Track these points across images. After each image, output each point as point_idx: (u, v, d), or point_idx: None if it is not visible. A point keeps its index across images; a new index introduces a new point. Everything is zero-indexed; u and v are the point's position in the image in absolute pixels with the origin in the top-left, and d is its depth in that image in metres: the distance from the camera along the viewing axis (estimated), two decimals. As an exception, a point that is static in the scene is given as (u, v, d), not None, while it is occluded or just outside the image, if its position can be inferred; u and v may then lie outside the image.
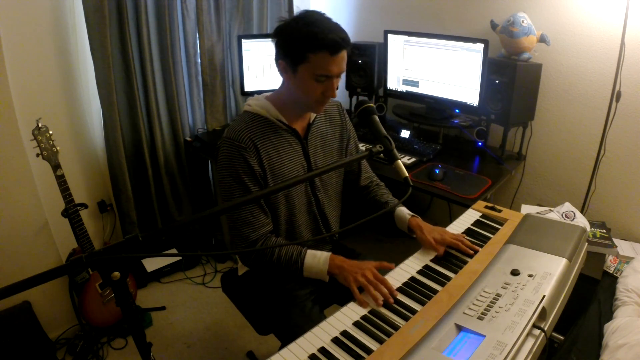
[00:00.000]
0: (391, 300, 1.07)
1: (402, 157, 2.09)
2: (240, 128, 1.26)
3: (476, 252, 1.25)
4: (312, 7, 2.94)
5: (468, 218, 1.44)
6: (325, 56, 1.15)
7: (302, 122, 1.36)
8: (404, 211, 1.42)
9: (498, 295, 0.99)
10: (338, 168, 1.49)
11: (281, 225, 1.36)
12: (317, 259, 1.25)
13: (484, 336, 0.88)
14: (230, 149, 1.24)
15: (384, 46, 2.41)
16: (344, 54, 1.19)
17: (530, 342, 0.89)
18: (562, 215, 1.83)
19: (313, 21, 1.16)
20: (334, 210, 1.50)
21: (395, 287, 1.12)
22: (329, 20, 1.20)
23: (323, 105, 1.28)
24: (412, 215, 1.40)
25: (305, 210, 1.40)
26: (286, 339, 0.97)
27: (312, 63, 1.16)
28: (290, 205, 1.35)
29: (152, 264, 2.46)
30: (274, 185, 1.29)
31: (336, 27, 1.18)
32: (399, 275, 1.18)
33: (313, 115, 1.38)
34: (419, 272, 1.19)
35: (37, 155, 1.63)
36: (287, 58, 1.20)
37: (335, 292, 1.38)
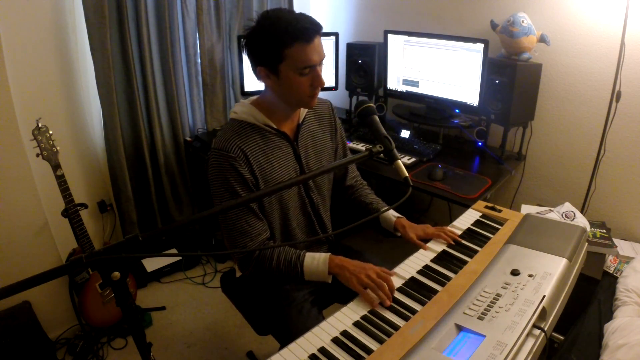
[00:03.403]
0: (390, 300, 1.07)
1: (402, 157, 2.09)
2: (227, 137, 1.23)
3: (457, 241, 1.31)
4: (311, 8, 2.95)
5: (468, 218, 1.44)
6: (301, 46, 1.13)
7: (291, 124, 1.34)
8: (389, 212, 1.46)
9: (498, 295, 0.99)
10: (337, 169, 1.49)
11: (276, 230, 1.35)
12: (315, 260, 1.24)
13: (484, 336, 0.88)
14: (219, 160, 1.22)
15: (384, 46, 2.41)
16: (318, 40, 1.16)
17: (530, 342, 0.89)
18: (562, 215, 1.83)
19: (277, 17, 1.14)
20: (327, 210, 1.51)
21: (395, 287, 1.12)
22: (292, 12, 1.17)
23: (315, 97, 1.25)
24: (398, 217, 1.44)
25: (299, 212, 1.40)
26: (284, 341, 0.97)
27: (291, 58, 1.14)
28: (284, 209, 1.35)
29: (152, 264, 2.46)
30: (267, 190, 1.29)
31: (302, 16, 1.15)
32: (399, 275, 1.18)
33: (302, 116, 1.36)
34: (419, 272, 1.19)
35: (37, 155, 1.63)
36: (264, 63, 1.18)
37: (336, 291, 1.38)
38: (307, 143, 1.38)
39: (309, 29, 1.13)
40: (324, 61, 1.21)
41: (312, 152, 1.39)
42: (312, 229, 1.45)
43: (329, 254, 1.26)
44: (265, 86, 1.27)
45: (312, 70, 1.18)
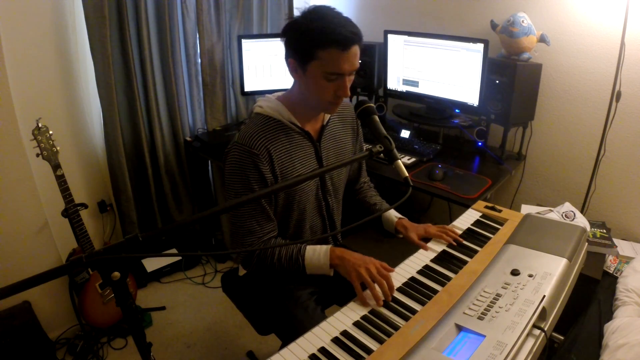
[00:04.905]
0: (389, 299, 1.08)
1: (402, 157, 2.09)
2: (252, 132, 1.20)
3: (459, 241, 1.31)
4: (312, 7, 2.95)
5: (468, 218, 1.44)
6: (336, 52, 1.10)
7: (315, 124, 1.33)
8: (391, 214, 1.46)
9: (498, 295, 0.99)
10: (339, 168, 1.49)
11: (290, 229, 1.35)
12: (317, 252, 1.24)
13: (484, 336, 0.88)
14: (241, 156, 1.19)
15: (384, 46, 2.41)
16: (355, 50, 1.13)
17: (530, 342, 0.89)
18: (562, 215, 1.83)
19: (322, 16, 1.12)
20: (340, 214, 1.51)
21: (395, 287, 1.12)
22: (339, 14, 1.15)
23: (336, 106, 1.24)
24: (399, 218, 1.44)
25: (316, 214, 1.40)
26: (289, 340, 0.97)
27: (321, 60, 1.12)
28: (302, 211, 1.34)
29: (152, 264, 2.46)
30: (287, 195, 1.27)
31: (346, 22, 1.13)
32: (399, 275, 1.18)
33: (327, 117, 1.35)
34: (419, 272, 1.19)
35: (37, 155, 1.63)
36: (296, 56, 1.15)
37: (336, 293, 1.38)
38: (329, 145, 1.36)
39: (348, 37, 1.10)
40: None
41: (334, 154, 1.38)
42: (325, 232, 1.44)
43: (330, 245, 1.25)
44: (293, 82, 1.26)
45: (339, 78, 1.16)
